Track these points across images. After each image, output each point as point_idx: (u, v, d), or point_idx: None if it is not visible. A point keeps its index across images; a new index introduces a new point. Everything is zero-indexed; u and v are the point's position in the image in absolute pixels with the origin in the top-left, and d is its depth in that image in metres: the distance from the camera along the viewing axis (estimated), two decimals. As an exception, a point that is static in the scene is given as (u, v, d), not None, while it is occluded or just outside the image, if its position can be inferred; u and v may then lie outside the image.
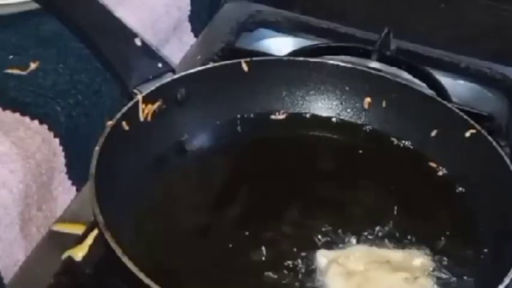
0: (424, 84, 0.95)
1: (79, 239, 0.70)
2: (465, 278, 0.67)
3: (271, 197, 0.75)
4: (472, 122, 0.79)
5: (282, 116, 0.85)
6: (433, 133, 0.82)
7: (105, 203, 0.63)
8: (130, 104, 0.75)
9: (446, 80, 0.98)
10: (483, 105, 0.96)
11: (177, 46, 1.01)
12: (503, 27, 1.05)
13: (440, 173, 0.79)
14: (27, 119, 0.75)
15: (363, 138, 0.84)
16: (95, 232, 0.69)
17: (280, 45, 1.05)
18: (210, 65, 0.85)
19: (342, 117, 0.86)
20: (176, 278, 0.64)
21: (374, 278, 0.66)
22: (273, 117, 0.85)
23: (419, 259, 0.68)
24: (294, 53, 0.99)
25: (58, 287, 0.67)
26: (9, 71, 0.81)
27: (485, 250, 0.70)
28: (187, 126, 0.80)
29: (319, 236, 0.70)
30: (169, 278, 0.61)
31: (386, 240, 0.71)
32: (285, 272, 0.67)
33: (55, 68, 0.82)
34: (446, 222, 0.74)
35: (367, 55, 0.97)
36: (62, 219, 0.75)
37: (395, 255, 0.69)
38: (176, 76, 0.79)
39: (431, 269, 0.67)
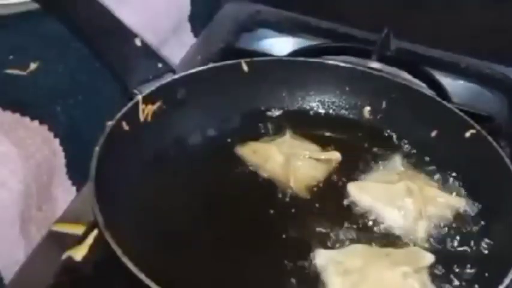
0: (424, 84, 0.95)
1: (79, 239, 0.70)
2: (465, 277, 0.68)
3: (270, 195, 0.75)
4: (472, 122, 0.79)
5: (279, 113, 0.85)
6: (433, 133, 0.82)
7: (105, 203, 0.64)
8: (130, 104, 0.75)
9: (446, 80, 0.98)
10: (483, 105, 0.96)
11: (177, 46, 1.01)
12: (503, 27, 1.05)
13: (439, 173, 0.79)
14: (27, 119, 0.75)
15: (363, 137, 0.84)
16: (95, 232, 0.69)
17: (280, 45, 1.05)
18: (210, 65, 0.85)
19: (342, 117, 0.86)
20: (176, 278, 0.64)
21: (372, 274, 0.66)
22: (269, 113, 0.85)
23: (419, 254, 0.69)
24: (294, 53, 0.99)
25: (58, 287, 0.67)
26: (9, 71, 0.81)
27: (486, 249, 0.70)
28: (187, 126, 0.80)
29: (318, 235, 0.70)
30: (169, 278, 0.61)
31: (385, 239, 0.71)
32: (284, 271, 0.67)
33: (55, 68, 0.82)
34: (447, 221, 0.74)
35: (367, 55, 0.97)
36: (62, 219, 0.75)
37: (395, 251, 0.69)
38: (176, 76, 0.79)
39: (430, 264, 0.67)
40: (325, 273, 0.66)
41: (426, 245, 0.70)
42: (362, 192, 0.75)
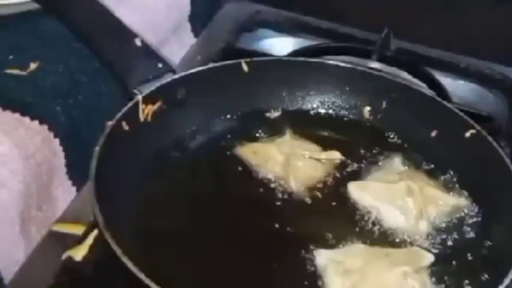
0: (424, 84, 0.95)
1: (79, 239, 0.70)
2: (465, 277, 0.68)
3: (270, 195, 0.75)
4: (472, 122, 0.79)
5: (279, 113, 0.85)
6: (433, 133, 0.82)
7: (105, 203, 0.64)
8: (130, 104, 0.75)
9: (446, 80, 0.98)
10: (483, 105, 0.96)
11: (177, 46, 1.01)
12: (503, 27, 1.05)
13: (440, 173, 0.79)
14: (27, 119, 0.75)
15: (363, 137, 0.84)
16: (95, 232, 0.69)
17: (280, 45, 1.05)
18: (210, 65, 0.85)
19: (342, 117, 0.86)
20: (176, 278, 0.64)
21: (372, 274, 0.66)
22: (269, 113, 0.85)
23: (420, 254, 0.69)
24: (294, 53, 0.99)
25: (58, 287, 0.67)
26: (9, 71, 0.81)
27: (486, 249, 0.70)
28: (187, 126, 0.80)
29: (319, 235, 0.70)
30: (169, 278, 0.61)
31: (386, 239, 0.71)
32: (284, 271, 0.67)
33: (55, 68, 0.82)
34: (447, 221, 0.74)
35: (367, 55, 0.97)
36: (62, 219, 0.75)
37: (395, 251, 0.69)
38: (176, 76, 0.79)
39: (430, 264, 0.67)
40: (325, 273, 0.66)
41: (426, 245, 0.70)
42: (362, 192, 0.75)
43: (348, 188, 0.76)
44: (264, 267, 0.67)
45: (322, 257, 0.68)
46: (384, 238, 0.71)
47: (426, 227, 0.72)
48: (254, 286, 0.66)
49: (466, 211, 0.74)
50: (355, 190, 0.75)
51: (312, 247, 0.69)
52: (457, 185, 0.77)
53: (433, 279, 0.67)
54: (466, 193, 0.76)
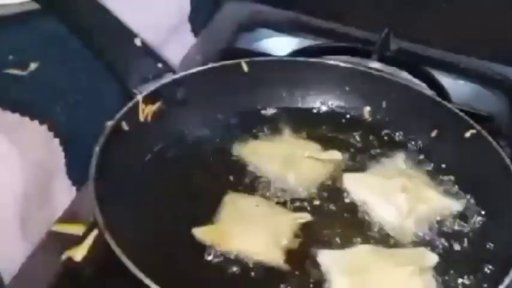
0: (424, 84, 0.95)
1: (79, 239, 0.70)
2: (466, 276, 0.68)
3: (271, 195, 0.75)
4: (472, 122, 0.79)
5: (279, 113, 0.85)
6: (433, 133, 0.82)
7: (105, 203, 0.64)
8: (130, 104, 0.75)
9: (446, 80, 0.98)
10: (483, 105, 0.96)
11: (177, 46, 1.01)
12: (503, 27, 1.05)
13: (439, 172, 0.79)
14: (27, 119, 0.75)
15: (363, 137, 0.84)
16: (95, 232, 0.69)
17: (280, 45, 1.05)
18: (210, 65, 0.85)
19: (342, 117, 0.86)
20: (176, 278, 0.64)
21: (376, 274, 0.66)
22: (269, 113, 0.85)
23: (424, 255, 0.69)
24: (294, 53, 0.99)
25: (58, 287, 0.67)
26: (9, 71, 0.80)
27: (486, 249, 0.70)
28: (188, 126, 0.80)
29: (320, 235, 0.70)
30: (169, 278, 0.61)
31: (388, 239, 0.71)
32: (287, 271, 0.67)
33: (55, 68, 0.82)
34: (446, 221, 0.74)
35: (367, 55, 0.97)
36: (62, 219, 0.75)
37: (399, 251, 0.69)
38: (176, 76, 0.79)
39: (434, 264, 0.67)
40: (329, 273, 0.66)
41: (429, 245, 0.70)
42: (357, 184, 0.75)
43: (342, 179, 0.76)
44: (266, 267, 0.67)
45: (326, 258, 0.68)
46: (386, 238, 0.71)
47: (417, 224, 0.72)
48: (257, 286, 0.66)
49: (465, 211, 0.74)
50: (350, 181, 0.75)
51: (314, 247, 0.69)
52: (456, 185, 0.77)
53: (436, 279, 0.67)
54: (465, 193, 0.76)
